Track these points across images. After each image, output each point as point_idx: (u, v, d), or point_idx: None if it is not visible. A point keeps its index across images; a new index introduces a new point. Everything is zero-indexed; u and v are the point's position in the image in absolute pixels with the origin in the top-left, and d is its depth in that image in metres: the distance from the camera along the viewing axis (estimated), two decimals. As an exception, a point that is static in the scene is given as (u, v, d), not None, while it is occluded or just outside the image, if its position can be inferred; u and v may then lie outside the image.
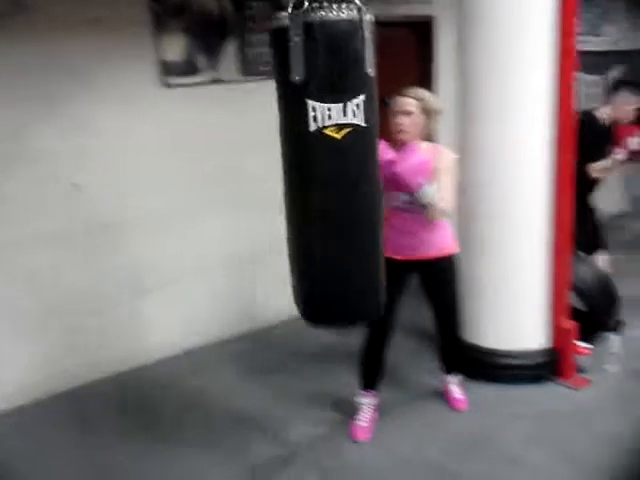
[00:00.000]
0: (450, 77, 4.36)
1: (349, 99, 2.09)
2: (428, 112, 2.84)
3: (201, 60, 4.00)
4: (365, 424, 3.14)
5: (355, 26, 2.02)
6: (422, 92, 2.88)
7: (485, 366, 3.56)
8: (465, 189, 3.55)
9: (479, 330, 3.60)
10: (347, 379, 3.49)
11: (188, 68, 3.96)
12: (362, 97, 2.09)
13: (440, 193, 2.74)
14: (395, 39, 4.74)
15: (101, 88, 3.70)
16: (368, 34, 2.03)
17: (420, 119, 2.83)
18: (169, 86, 3.92)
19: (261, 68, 4.24)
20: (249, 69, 4.22)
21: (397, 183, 2.72)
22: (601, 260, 4.50)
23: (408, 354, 3.90)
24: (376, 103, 2.21)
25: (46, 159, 3.57)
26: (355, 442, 3.07)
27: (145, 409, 3.49)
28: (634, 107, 4.33)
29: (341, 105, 2.09)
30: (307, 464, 2.93)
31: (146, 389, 3.71)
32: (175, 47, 3.89)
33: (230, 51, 4.13)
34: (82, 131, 3.68)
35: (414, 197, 2.74)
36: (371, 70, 2.12)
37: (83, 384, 3.72)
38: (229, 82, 4.16)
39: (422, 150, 2.83)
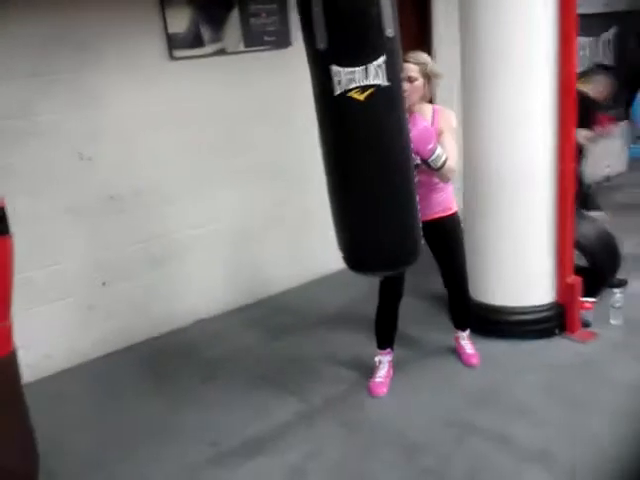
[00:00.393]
0: (449, 41, 4.45)
1: (370, 61, 2.18)
2: (429, 76, 2.92)
3: (206, 32, 4.04)
4: (382, 380, 3.28)
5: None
6: (423, 56, 2.93)
7: (493, 322, 3.68)
8: (471, 149, 3.65)
9: (487, 288, 3.72)
10: (361, 339, 3.67)
11: (193, 40, 4.00)
12: (382, 59, 2.18)
13: (447, 153, 2.83)
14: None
15: (108, 61, 3.74)
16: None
17: (422, 84, 2.91)
18: (175, 58, 3.96)
19: (265, 39, 4.29)
20: (253, 40, 4.25)
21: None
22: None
23: (422, 314, 4.05)
24: (399, 63, 2.31)
25: (55, 133, 3.62)
26: (374, 397, 3.20)
27: (171, 373, 3.65)
28: (607, 89, 5.07)
29: (363, 68, 2.19)
30: (329, 419, 3.06)
31: (170, 355, 3.87)
32: (181, 19, 3.92)
33: (234, 22, 4.16)
34: (90, 104, 3.72)
35: (426, 163, 2.81)
36: (390, 31, 2.19)
37: (104, 354, 3.89)
38: (234, 53, 4.20)
39: (426, 114, 2.92)
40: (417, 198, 2.47)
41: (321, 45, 2.21)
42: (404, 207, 2.39)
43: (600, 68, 6.33)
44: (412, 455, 2.74)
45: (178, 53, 3.96)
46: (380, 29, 2.17)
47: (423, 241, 2.53)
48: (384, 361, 3.33)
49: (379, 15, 2.15)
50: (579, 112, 3.59)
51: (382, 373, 3.31)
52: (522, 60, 3.35)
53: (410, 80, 2.85)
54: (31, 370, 3.28)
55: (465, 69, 3.58)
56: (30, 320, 3.54)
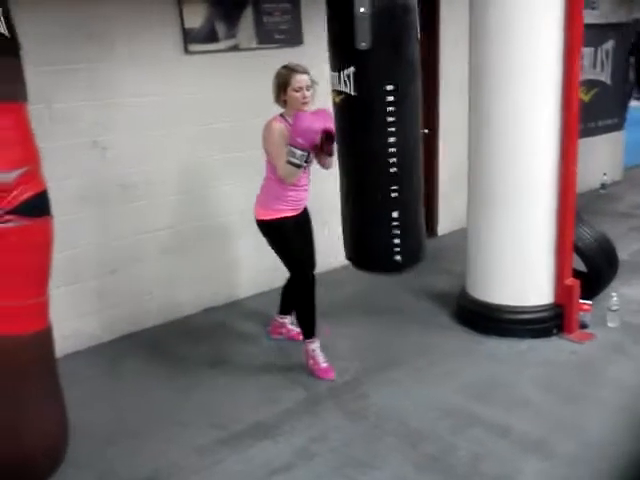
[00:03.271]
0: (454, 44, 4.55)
1: (341, 69, 2.35)
2: (313, 83, 3.25)
3: (221, 28, 4.12)
4: (328, 364, 3.43)
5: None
6: (305, 67, 3.25)
7: (494, 321, 3.77)
8: (475, 153, 3.76)
9: (489, 287, 3.81)
10: (362, 332, 3.84)
11: (209, 35, 4.08)
12: (352, 69, 2.31)
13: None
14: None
15: (124, 53, 3.81)
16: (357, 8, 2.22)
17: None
18: (190, 52, 4.04)
19: (277, 37, 4.38)
20: (265, 37, 4.34)
21: (314, 142, 3.09)
22: None
23: (423, 311, 4.18)
24: (378, 78, 2.35)
25: (71, 121, 3.69)
26: (327, 380, 3.38)
27: (180, 358, 3.75)
28: None
29: (336, 74, 2.38)
30: (333, 408, 3.14)
31: (178, 341, 3.98)
32: (197, 15, 4.00)
33: (248, 20, 4.24)
34: (106, 94, 3.80)
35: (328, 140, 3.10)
36: (364, 44, 2.25)
37: (113, 338, 3.97)
38: (246, 50, 4.28)
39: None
40: (421, 202, 2.61)
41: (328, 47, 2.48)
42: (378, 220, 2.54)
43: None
44: (415, 442, 2.83)
45: (193, 47, 4.04)
46: (351, 41, 2.26)
47: None
48: (318, 347, 3.46)
49: (352, 27, 2.23)
50: None
51: (322, 358, 3.44)
52: (527, 67, 3.46)
53: (309, 88, 3.20)
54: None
55: (472, 78, 3.69)
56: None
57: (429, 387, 3.28)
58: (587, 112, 5.79)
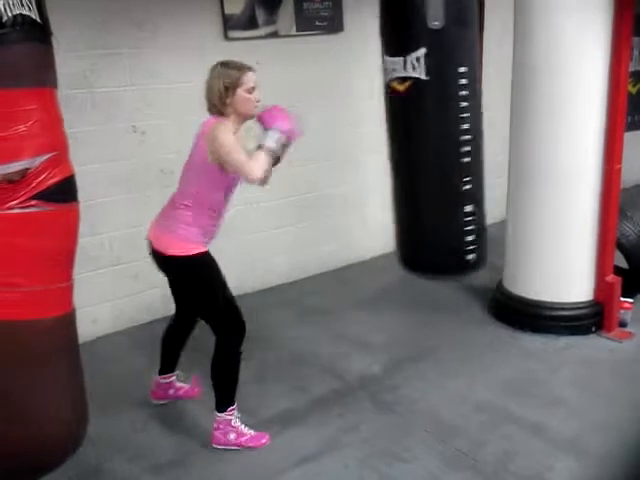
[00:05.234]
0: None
1: (408, 53, 2.18)
2: None
3: (260, 14, 4.11)
4: (254, 431, 2.82)
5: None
6: None
7: (531, 317, 3.70)
8: (517, 146, 3.67)
9: (527, 282, 3.74)
10: (395, 323, 3.82)
11: (248, 22, 4.08)
12: (422, 51, 2.17)
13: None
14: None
15: (165, 39, 3.85)
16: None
17: None
18: (229, 39, 4.05)
19: (317, 23, 4.35)
20: (304, 24, 4.32)
21: (294, 134, 2.61)
22: None
23: (457, 305, 4.12)
24: (452, 58, 2.24)
25: (111, 105, 3.74)
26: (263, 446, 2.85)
27: (211, 342, 3.69)
28: None
29: (402, 59, 2.21)
30: (364, 399, 3.12)
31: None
32: (237, 1, 3.99)
33: (288, 6, 4.22)
34: (145, 79, 3.85)
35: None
36: (436, 23, 2.14)
37: (149, 320, 4.02)
38: (286, 36, 4.27)
39: None
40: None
41: (381, 33, 2.27)
42: (449, 216, 2.39)
43: None
44: (445, 437, 2.79)
45: (233, 34, 4.04)
46: (423, 19, 2.13)
47: None
48: (240, 417, 2.82)
49: (422, 4, 2.11)
50: None
51: (244, 427, 2.81)
52: (573, 58, 3.36)
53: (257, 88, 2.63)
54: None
55: (516, 66, 3.59)
56: (78, 285, 3.65)
57: (461, 381, 3.24)
58: (634, 105, 5.61)
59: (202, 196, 2.62)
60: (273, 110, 2.60)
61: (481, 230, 2.42)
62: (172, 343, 3.08)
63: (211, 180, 2.60)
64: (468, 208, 2.33)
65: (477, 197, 2.37)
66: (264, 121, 2.59)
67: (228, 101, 2.55)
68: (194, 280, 2.68)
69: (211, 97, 2.58)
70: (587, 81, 3.39)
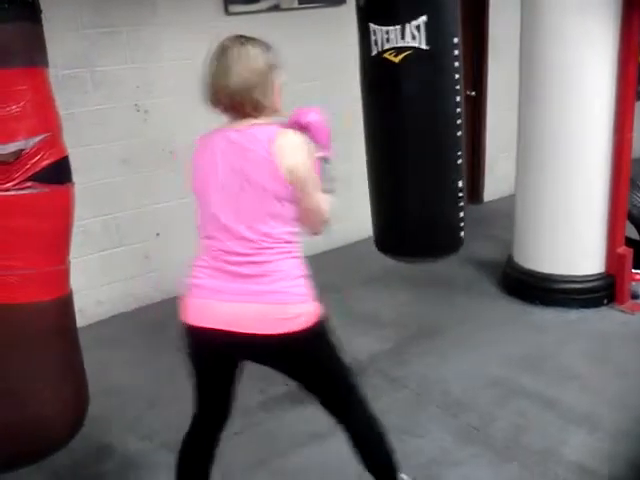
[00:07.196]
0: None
1: (407, 21, 2.02)
2: None
3: (262, -13, 4.03)
4: None
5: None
6: None
7: (542, 290, 3.65)
8: (526, 117, 3.60)
9: (537, 255, 3.69)
10: (404, 299, 3.77)
11: (249, -5, 3.99)
12: (422, 19, 2.02)
13: None
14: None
15: (165, 15, 3.78)
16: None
17: None
18: (230, 13, 3.97)
19: (318, -5, 4.26)
20: (306, -3, 4.23)
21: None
22: None
23: (467, 280, 4.07)
24: (448, 25, 2.11)
25: (112, 85, 3.69)
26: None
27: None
28: None
29: (399, 27, 2.04)
30: (374, 375, 3.10)
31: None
32: (238, -26, 3.91)
33: (289, -22, 4.14)
34: (147, 57, 3.78)
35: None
36: None
37: (159, 300, 3.98)
38: (287, 10, 4.19)
39: None
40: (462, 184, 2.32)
41: (361, 1, 2.14)
42: (446, 191, 2.31)
43: None
44: (456, 412, 2.78)
45: (234, 8, 3.97)
46: None
47: None
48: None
49: None
50: None
51: None
52: (581, 27, 3.27)
53: None
54: (82, 315, 3.39)
55: (524, 41, 3.51)
56: (84, 267, 3.64)
57: (472, 356, 3.21)
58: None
59: (292, 225, 1.87)
60: (318, 120, 1.90)
61: (464, 206, 2.38)
62: (199, 462, 2.07)
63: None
64: (460, 184, 2.26)
65: (462, 172, 2.33)
66: (310, 133, 1.89)
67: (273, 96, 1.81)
68: (326, 350, 1.89)
69: (252, 91, 1.77)
70: (597, 48, 3.31)
